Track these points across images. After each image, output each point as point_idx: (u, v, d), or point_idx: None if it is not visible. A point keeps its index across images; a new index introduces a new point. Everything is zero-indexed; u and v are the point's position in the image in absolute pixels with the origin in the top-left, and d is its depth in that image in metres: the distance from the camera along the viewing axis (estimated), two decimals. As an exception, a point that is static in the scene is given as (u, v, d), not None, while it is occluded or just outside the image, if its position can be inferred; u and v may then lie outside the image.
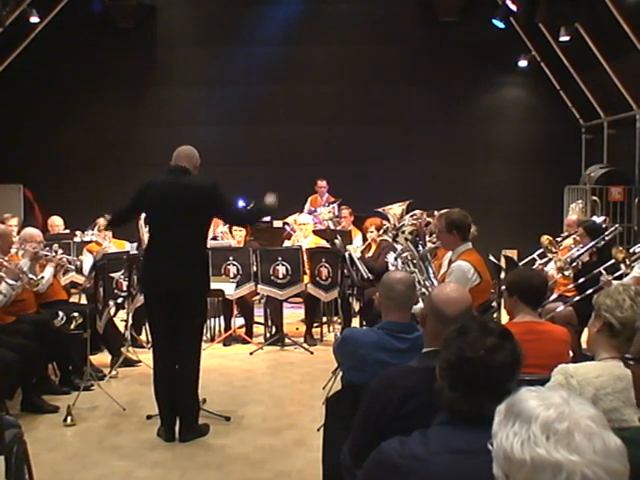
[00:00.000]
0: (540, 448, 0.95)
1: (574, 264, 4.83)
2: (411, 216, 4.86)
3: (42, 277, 4.58)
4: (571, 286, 4.87)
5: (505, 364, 1.48)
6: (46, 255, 4.73)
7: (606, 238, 4.94)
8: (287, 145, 9.29)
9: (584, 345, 4.58)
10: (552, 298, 4.74)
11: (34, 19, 8.32)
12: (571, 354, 2.92)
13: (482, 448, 1.13)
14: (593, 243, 4.88)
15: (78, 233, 6.46)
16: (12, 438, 2.52)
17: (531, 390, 1.05)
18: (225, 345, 6.07)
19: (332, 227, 7.20)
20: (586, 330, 4.77)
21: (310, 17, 9.36)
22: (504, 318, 4.20)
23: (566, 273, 4.79)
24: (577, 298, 4.63)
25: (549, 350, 2.65)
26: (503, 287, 3.79)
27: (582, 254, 4.90)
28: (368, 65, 9.38)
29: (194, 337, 3.89)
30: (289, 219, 7.25)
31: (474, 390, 1.44)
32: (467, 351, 1.48)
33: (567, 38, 7.61)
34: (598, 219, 6.04)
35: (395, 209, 6.61)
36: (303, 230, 6.73)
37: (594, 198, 8.02)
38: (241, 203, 7.56)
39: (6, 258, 4.33)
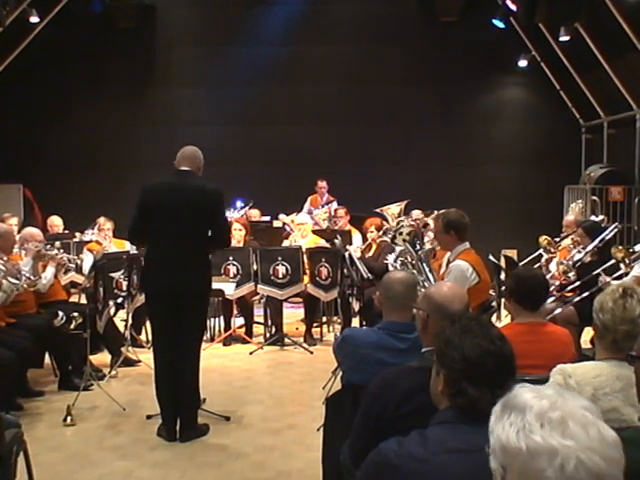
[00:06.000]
0: (535, 435, 0.96)
1: (577, 265, 4.82)
2: (398, 220, 4.86)
3: (39, 277, 4.57)
4: (570, 288, 4.87)
5: (512, 352, 1.53)
6: (48, 254, 4.73)
7: (607, 237, 4.93)
8: (287, 145, 9.28)
9: (584, 345, 4.59)
10: (552, 299, 4.73)
11: (34, 19, 8.32)
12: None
13: (481, 447, 1.13)
14: (595, 243, 4.88)
15: (78, 234, 6.46)
16: (12, 438, 2.52)
17: (524, 386, 1.06)
18: (225, 345, 6.07)
19: (331, 227, 7.20)
20: (587, 330, 4.77)
21: (309, 17, 9.36)
22: (505, 318, 4.21)
23: (570, 275, 4.78)
24: (577, 298, 4.63)
25: (550, 351, 2.65)
26: (503, 287, 3.79)
27: (585, 255, 4.89)
28: (368, 65, 9.38)
29: (194, 337, 3.90)
30: (287, 219, 7.25)
31: (498, 382, 1.46)
32: (485, 344, 1.50)
33: (567, 38, 7.61)
34: (597, 219, 6.04)
35: (393, 209, 6.62)
36: (301, 230, 6.73)
37: (594, 198, 8.02)
38: (239, 203, 7.58)
39: (5, 258, 4.33)
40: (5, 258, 4.33)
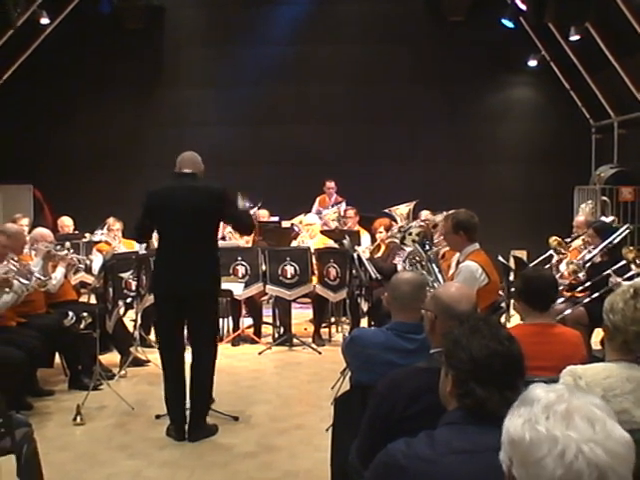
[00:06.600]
0: (540, 426, 0.97)
1: (587, 266, 4.78)
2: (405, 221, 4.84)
3: (49, 277, 4.60)
4: (580, 288, 4.84)
5: (521, 352, 1.52)
6: (58, 254, 4.76)
7: (618, 238, 4.89)
8: (295, 145, 9.29)
9: (594, 346, 4.56)
10: (562, 299, 4.71)
11: (44, 20, 8.37)
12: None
13: (489, 447, 1.13)
14: (605, 243, 4.84)
15: (87, 235, 6.49)
16: (22, 437, 2.54)
17: (540, 384, 1.07)
18: (233, 345, 6.08)
19: (339, 228, 7.19)
20: (597, 331, 4.74)
21: (317, 17, 9.36)
22: (514, 319, 4.19)
23: (580, 275, 4.75)
24: (588, 299, 4.60)
25: (559, 352, 2.63)
26: (513, 288, 3.78)
27: (595, 255, 4.85)
28: (376, 65, 9.36)
29: (206, 339, 3.92)
30: (295, 219, 7.25)
31: (506, 383, 1.46)
32: (493, 345, 1.50)
33: (577, 37, 7.56)
34: (607, 219, 6.00)
35: (402, 209, 6.60)
36: (310, 231, 6.72)
37: (604, 198, 7.97)
38: (248, 204, 7.57)
39: (16, 258, 4.36)
40: (16, 258, 4.35)
